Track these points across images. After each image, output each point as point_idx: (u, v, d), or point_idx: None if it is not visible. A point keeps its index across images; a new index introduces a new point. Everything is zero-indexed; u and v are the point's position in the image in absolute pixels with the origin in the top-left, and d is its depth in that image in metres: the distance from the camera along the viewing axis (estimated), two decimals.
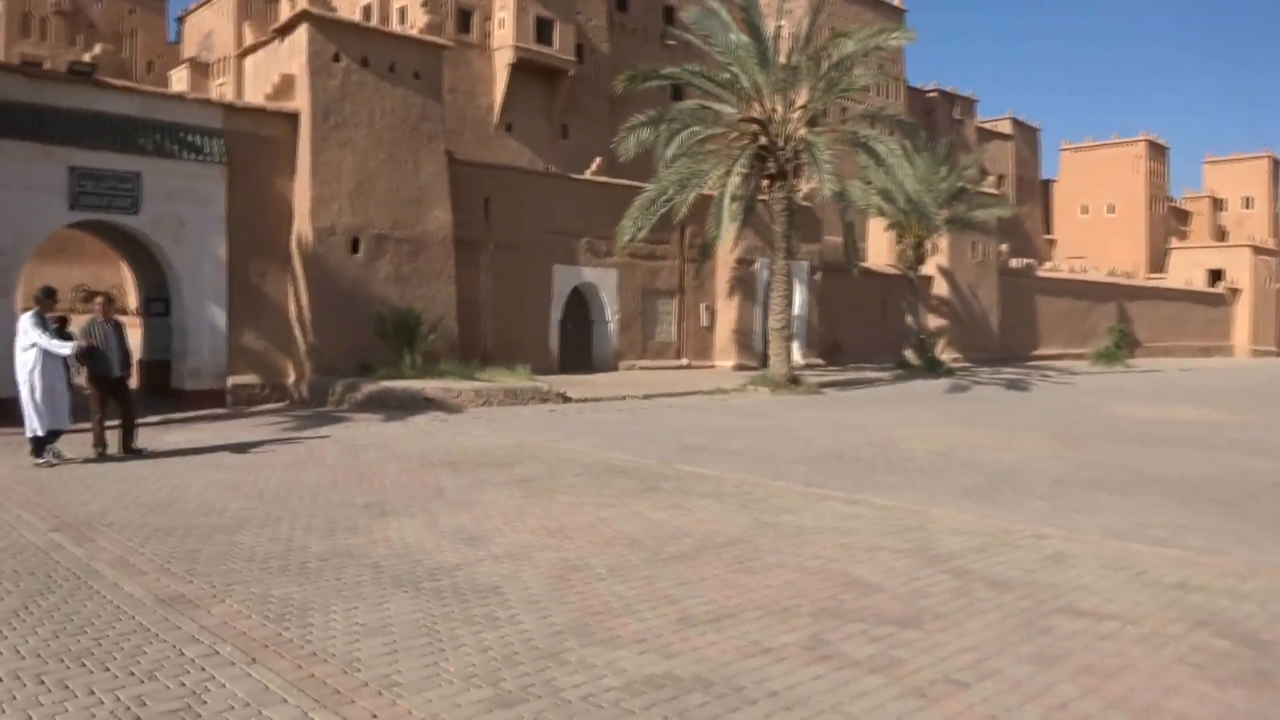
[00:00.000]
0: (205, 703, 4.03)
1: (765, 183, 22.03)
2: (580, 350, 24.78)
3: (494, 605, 5.50)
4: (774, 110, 21.13)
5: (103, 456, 10.86)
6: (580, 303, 24.85)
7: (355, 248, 19.04)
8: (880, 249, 35.91)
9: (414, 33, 20.55)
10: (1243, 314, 60.28)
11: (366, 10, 35.64)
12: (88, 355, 10.86)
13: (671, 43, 30.13)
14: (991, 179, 44.67)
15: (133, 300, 24.55)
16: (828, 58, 21.63)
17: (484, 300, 22.06)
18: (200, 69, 48.30)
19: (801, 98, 21.90)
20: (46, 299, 10.88)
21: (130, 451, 11.18)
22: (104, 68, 51.36)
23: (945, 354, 34.12)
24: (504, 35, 34.31)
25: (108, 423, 11.06)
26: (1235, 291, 60.42)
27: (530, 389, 17.80)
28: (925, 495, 9.41)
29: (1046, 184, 73.88)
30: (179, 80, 47.75)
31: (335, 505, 8.31)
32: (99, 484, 9.23)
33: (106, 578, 5.90)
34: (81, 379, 11.27)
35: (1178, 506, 9.11)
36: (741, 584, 6.06)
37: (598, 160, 25.87)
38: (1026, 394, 23.83)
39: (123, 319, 18.30)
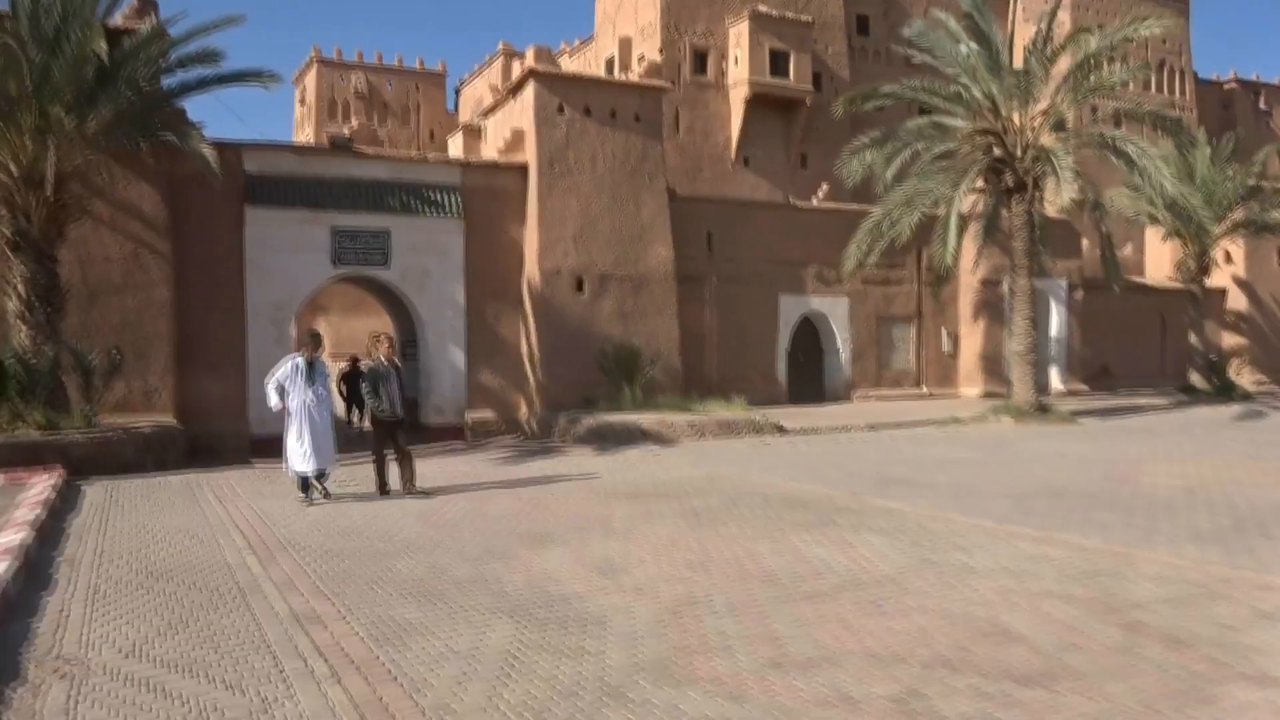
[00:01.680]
0: (268, 714, 4.29)
1: (1005, 197, 20.50)
2: (812, 380, 24.21)
3: (590, 637, 5.43)
4: (1009, 119, 19.67)
5: (385, 494, 10.84)
6: (811, 332, 24.33)
7: (580, 287, 19.87)
8: (1160, 261, 32.21)
9: (634, 78, 21.23)
10: None
11: (610, 63, 37.46)
12: (371, 394, 10.86)
13: (917, 61, 29.39)
14: None
15: None
16: (1071, 57, 19.86)
17: (708, 333, 22.19)
18: (472, 133, 52.84)
19: (1042, 103, 20.22)
20: (310, 341, 11.21)
21: (412, 492, 10.87)
22: (394, 140, 57.80)
23: (1243, 377, 29.88)
24: (739, 72, 34.62)
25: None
26: None
27: (744, 421, 17.61)
28: (1141, 537, 8.22)
29: None
30: (454, 145, 52.34)
31: (502, 534, 8.62)
32: (317, 513, 10.17)
33: (265, 595, 6.48)
34: (363, 419, 11.47)
35: None
36: (863, 627, 5.58)
37: (825, 187, 25.37)
38: None
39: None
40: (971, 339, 25.54)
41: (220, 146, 17.21)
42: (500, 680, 4.72)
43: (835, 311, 24.01)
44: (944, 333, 25.64)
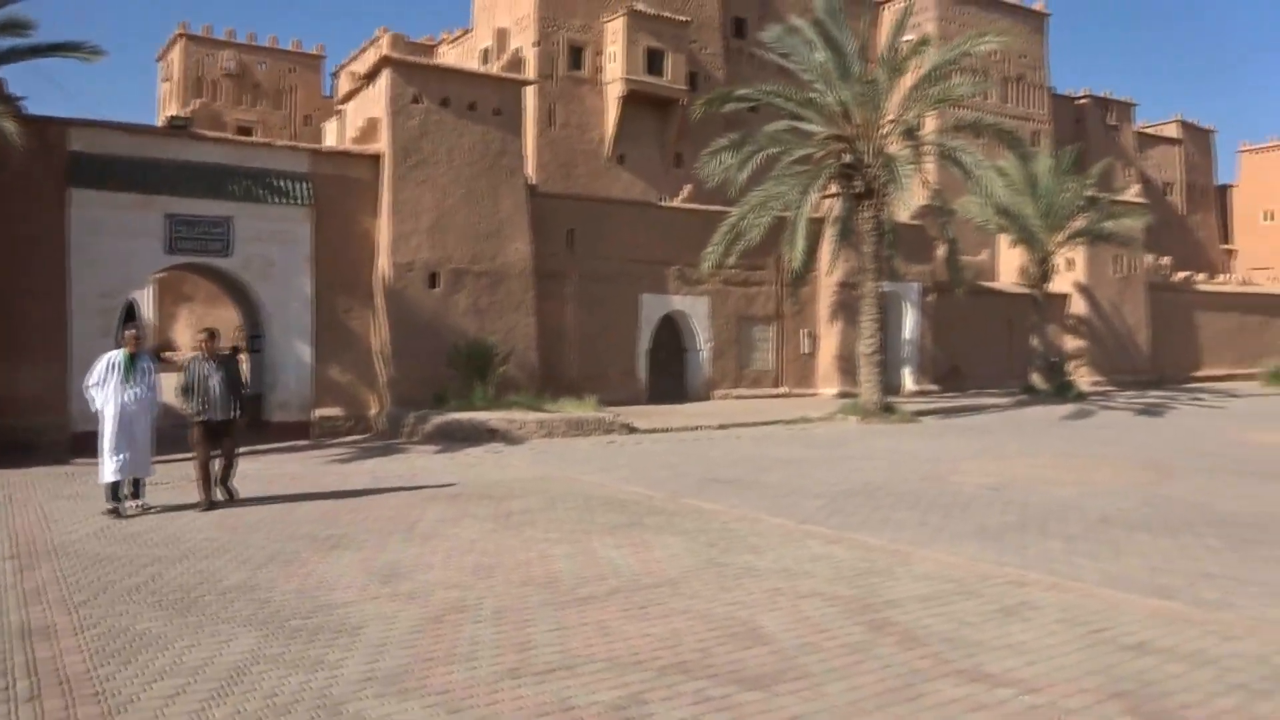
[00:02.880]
0: None
1: (856, 202, 21.09)
2: (673, 379, 24.43)
3: (336, 648, 5.28)
4: (858, 126, 20.25)
5: (210, 506, 9.84)
6: (673, 331, 24.54)
7: (434, 282, 19.50)
8: (1011, 267, 33.76)
9: (494, 71, 20.96)
10: None
11: (486, 54, 36.94)
12: (182, 395, 10.05)
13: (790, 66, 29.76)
14: (1135, 188, 41.23)
15: None
16: (918, 68, 20.59)
17: (568, 331, 22.13)
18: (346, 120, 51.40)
19: (892, 112, 20.90)
20: (133, 334, 10.13)
21: (224, 487, 10.31)
22: (266, 123, 55.64)
23: (1084, 377, 31.64)
24: (615, 69, 34.66)
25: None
26: None
27: (594, 420, 17.63)
28: (929, 535, 8.55)
29: (1224, 190, 67.72)
30: (331, 132, 50.85)
31: (297, 538, 8.34)
32: (113, 519, 9.63)
33: (4, 605, 6.08)
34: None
35: (1225, 550, 7.88)
36: (620, 632, 5.60)
37: (688, 187, 25.61)
38: (1157, 420, 21.66)
39: (243, 356, 19.54)
40: (829, 340, 26.24)
41: (42, 122, 16.23)
42: (215, 696, 4.53)
43: (696, 311, 24.29)
44: (803, 333, 26.26)
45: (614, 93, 34.83)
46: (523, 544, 8.08)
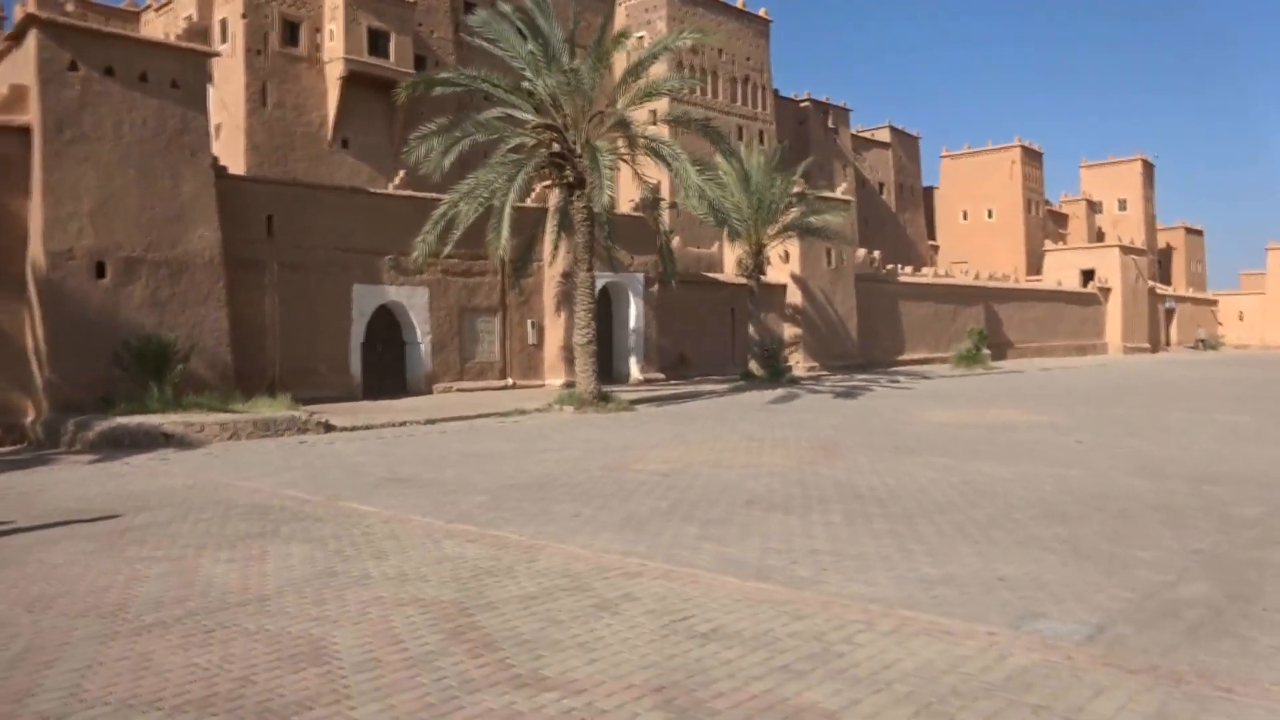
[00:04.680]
0: None
1: (568, 192, 21.07)
2: (392, 374, 23.47)
3: None
4: (568, 116, 20.22)
5: None
6: (391, 324, 23.56)
7: (101, 272, 17.47)
8: (734, 259, 35.34)
9: (170, 39, 19.07)
10: (1114, 313, 61.75)
11: (190, 20, 33.86)
12: None
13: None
14: (844, 186, 44.58)
15: None
16: (624, 61, 20.83)
17: (269, 324, 20.62)
18: None
19: (603, 103, 21.05)
20: None
21: None
22: None
23: (800, 363, 33.68)
24: (334, 48, 32.89)
25: None
26: (1106, 291, 61.91)
27: (286, 419, 16.47)
28: (575, 527, 8.44)
29: (929, 191, 74.92)
30: None
31: None
32: None
33: None
34: None
35: (841, 526, 8.31)
36: (162, 664, 4.94)
37: (401, 173, 24.68)
38: (851, 402, 23.30)
39: None
40: (555, 330, 26.21)
41: None
42: None
43: (415, 302, 23.44)
44: (529, 324, 26.08)
45: (334, 73, 33.07)
46: (115, 565, 7.16)
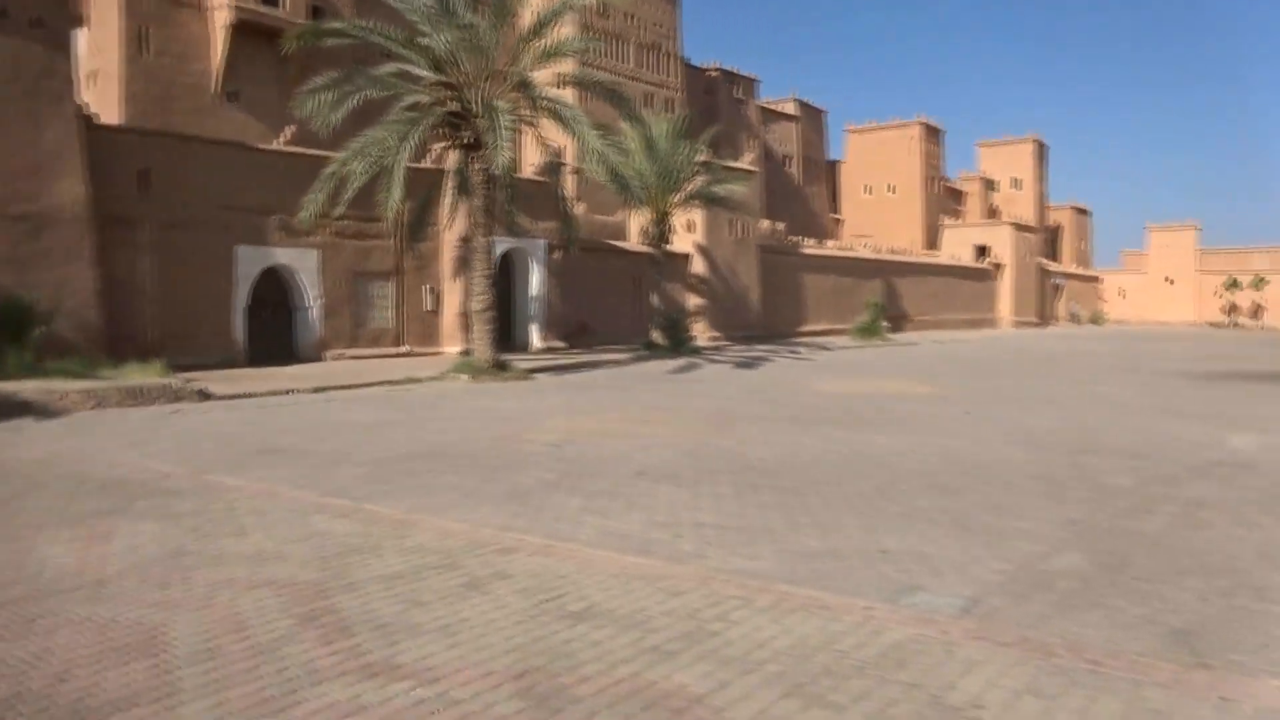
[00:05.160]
0: None
1: (467, 154, 20.39)
2: (280, 339, 22.51)
3: None
4: (467, 74, 19.52)
5: None
6: (279, 287, 22.55)
7: None
8: (638, 227, 35.08)
9: None
10: (1006, 287, 63.93)
11: None
12: None
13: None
14: (749, 157, 44.75)
15: None
16: (530, 20, 20.19)
17: (144, 285, 19.47)
18: None
19: (504, 62, 20.37)
20: None
21: None
22: None
23: (703, 333, 33.74)
24: None
25: None
26: (999, 267, 63.99)
27: (159, 387, 15.55)
28: (456, 499, 8.10)
29: (834, 165, 75.97)
30: None
31: None
32: None
33: None
34: None
35: (729, 498, 8.18)
36: None
37: (289, 128, 23.57)
38: (751, 372, 23.40)
39: None
40: (453, 296, 25.55)
41: None
42: None
43: (304, 265, 22.48)
44: (426, 289, 25.35)
45: (220, 20, 31.24)
46: None
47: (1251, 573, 6.07)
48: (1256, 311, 73.64)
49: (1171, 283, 77.45)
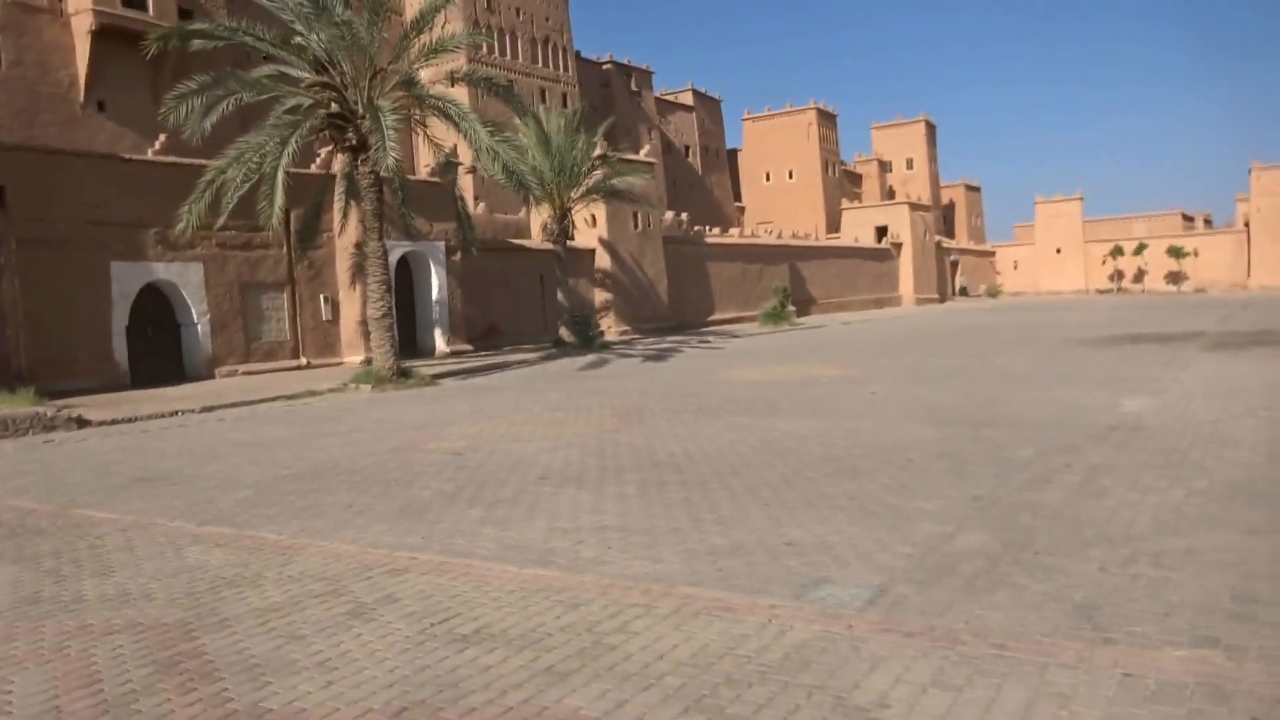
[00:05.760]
0: None
1: (353, 156, 19.67)
2: (166, 359, 21.40)
3: None
4: (347, 75, 18.81)
5: None
6: (163, 304, 21.43)
7: None
8: (540, 224, 34.61)
9: None
10: (906, 266, 65.47)
11: None
12: None
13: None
14: (646, 148, 44.73)
15: None
16: (409, 15, 19.54)
17: (8, 310, 18.21)
18: None
19: (387, 61, 19.71)
20: None
21: None
22: None
23: (612, 328, 33.51)
24: None
25: None
26: (898, 246, 65.48)
27: (29, 416, 14.53)
28: (346, 519, 7.67)
29: (734, 153, 76.61)
30: None
31: None
32: None
33: None
34: None
35: (635, 497, 7.95)
36: None
37: (162, 137, 22.43)
38: (661, 364, 23.27)
39: None
40: (351, 305, 24.72)
41: None
42: None
43: (188, 279, 21.40)
44: (322, 299, 24.47)
45: (82, 26, 29.62)
46: None
47: (1149, 539, 6.10)
48: (1139, 276, 77.10)
49: (1060, 253, 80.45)
